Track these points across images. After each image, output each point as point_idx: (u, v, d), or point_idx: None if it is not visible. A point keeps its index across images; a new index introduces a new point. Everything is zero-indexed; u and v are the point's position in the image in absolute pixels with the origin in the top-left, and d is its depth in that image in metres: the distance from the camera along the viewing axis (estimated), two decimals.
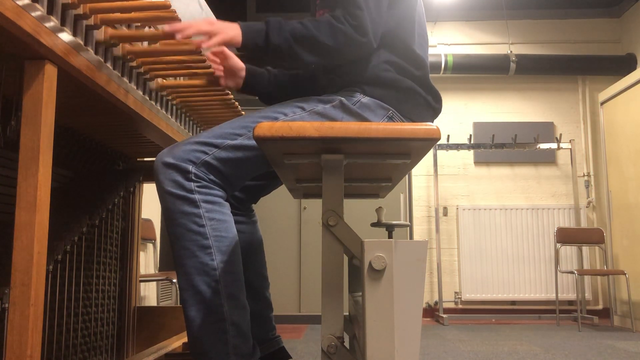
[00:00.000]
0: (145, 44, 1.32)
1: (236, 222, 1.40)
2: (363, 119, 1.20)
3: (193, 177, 1.10)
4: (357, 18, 1.18)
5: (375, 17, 1.20)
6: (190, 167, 1.10)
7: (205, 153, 1.12)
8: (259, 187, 1.45)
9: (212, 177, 1.12)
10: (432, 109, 1.30)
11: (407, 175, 4.66)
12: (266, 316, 1.47)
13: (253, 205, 1.51)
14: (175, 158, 1.11)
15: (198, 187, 1.10)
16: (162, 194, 1.11)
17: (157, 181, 1.12)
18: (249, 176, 1.20)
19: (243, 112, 1.55)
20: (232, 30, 1.18)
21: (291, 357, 1.48)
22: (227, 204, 1.16)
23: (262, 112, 1.19)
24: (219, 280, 1.09)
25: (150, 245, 3.76)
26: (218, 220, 1.11)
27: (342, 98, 1.21)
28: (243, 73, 1.45)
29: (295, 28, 1.17)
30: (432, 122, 1.29)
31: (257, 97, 1.51)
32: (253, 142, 1.15)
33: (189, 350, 1.14)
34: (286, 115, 1.18)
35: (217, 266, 1.09)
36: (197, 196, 1.10)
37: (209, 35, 1.17)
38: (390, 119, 1.23)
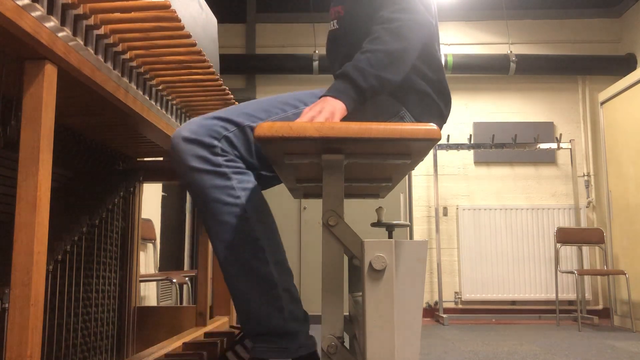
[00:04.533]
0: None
1: None
2: (376, 115, 1.20)
3: (220, 152, 1.08)
4: (399, 2, 1.12)
5: None
6: (216, 142, 1.08)
7: (226, 129, 1.10)
8: (269, 179, 1.44)
9: (236, 152, 1.11)
10: (442, 116, 1.29)
11: (407, 175, 4.66)
12: None
13: None
14: (196, 134, 1.08)
15: (226, 160, 1.08)
16: (186, 171, 1.07)
17: (179, 158, 1.07)
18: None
19: None
20: (330, 108, 1.03)
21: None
22: (252, 173, 1.14)
23: (283, 98, 1.18)
24: (264, 248, 1.08)
25: (150, 245, 3.76)
26: (251, 190, 1.10)
27: None
28: None
29: (369, 58, 1.08)
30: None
31: None
32: None
33: (241, 328, 1.10)
34: (306, 105, 1.17)
35: (260, 235, 1.08)
36: (226, 169, 1.08)
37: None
38: (402, 118, 1.23)
